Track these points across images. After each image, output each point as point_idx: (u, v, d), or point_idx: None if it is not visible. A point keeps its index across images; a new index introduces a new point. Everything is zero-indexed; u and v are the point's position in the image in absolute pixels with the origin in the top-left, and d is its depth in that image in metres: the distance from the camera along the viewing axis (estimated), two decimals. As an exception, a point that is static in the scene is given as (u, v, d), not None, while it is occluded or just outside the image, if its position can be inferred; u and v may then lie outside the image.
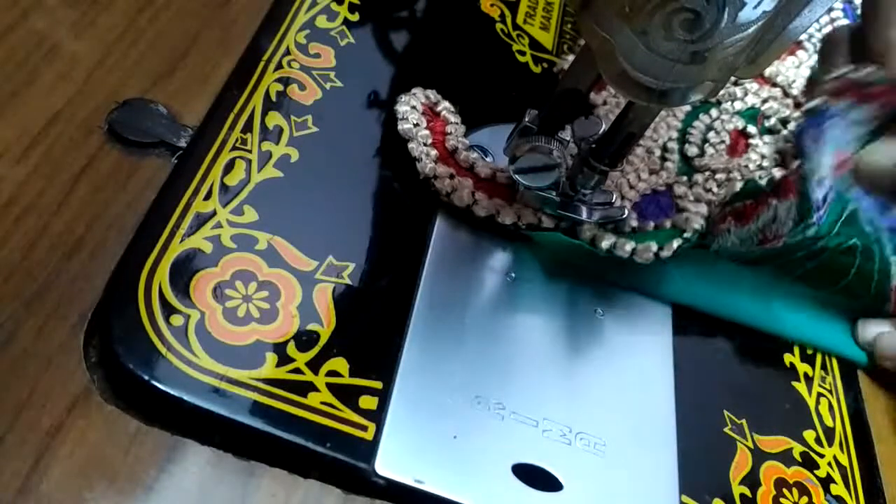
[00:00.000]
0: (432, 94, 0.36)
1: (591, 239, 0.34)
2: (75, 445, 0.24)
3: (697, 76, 0.26)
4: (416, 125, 0.34)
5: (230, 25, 0.36)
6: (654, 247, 0.33)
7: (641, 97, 0.27)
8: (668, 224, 0.36)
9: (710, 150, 0.42)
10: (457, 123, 0.36)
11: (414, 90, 0.36)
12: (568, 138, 0.32)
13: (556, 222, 0.34)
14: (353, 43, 0.38)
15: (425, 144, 0.34)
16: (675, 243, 0.34)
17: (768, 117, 0.46)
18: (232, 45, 0.35)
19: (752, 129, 0.44)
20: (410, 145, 0.34)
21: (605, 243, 0.33)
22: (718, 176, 0.41)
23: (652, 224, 0.35)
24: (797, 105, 0.47)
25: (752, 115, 0.46)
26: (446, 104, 0.36)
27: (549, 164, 0.31)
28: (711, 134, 0.44)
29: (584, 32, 0.27)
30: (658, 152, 0.41)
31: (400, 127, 0.34)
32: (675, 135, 0.42)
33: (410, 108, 0.35)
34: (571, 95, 0.31)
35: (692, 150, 0.42)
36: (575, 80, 0.31)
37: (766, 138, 0.45)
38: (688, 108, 0.43)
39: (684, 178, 0.40)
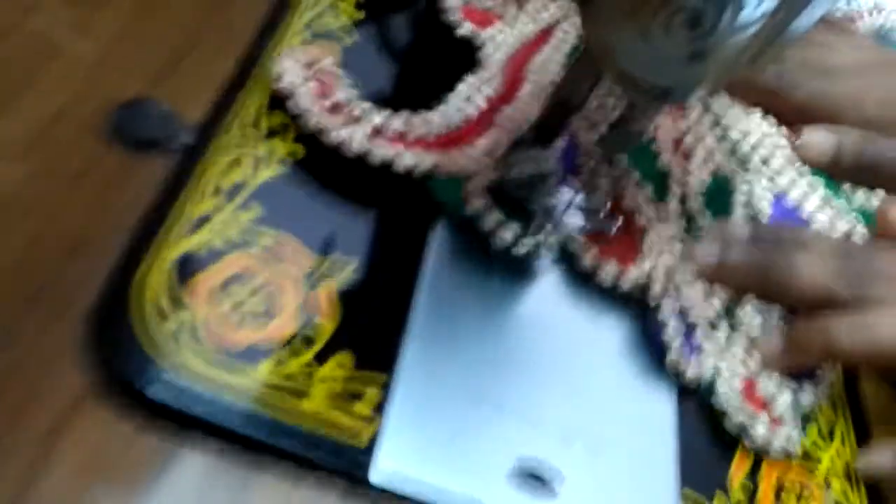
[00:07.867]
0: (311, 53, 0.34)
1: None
2: (75, 445, 0.24)
3: (698, 76, 0.26)
4: (297, 81, 0.32)
5: (230, 25, 0.36)
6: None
7: (642, 97, 0.27)
8: None
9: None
10: (343, 78, 0.33)
11: (286, 50, 0.33)
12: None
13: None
14: (354, 43, 0.38)
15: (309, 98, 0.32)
16: None
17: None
18: (232, 44, 0.35)
19: None
20: (289, 104, 0.32)
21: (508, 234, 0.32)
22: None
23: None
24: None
25: None
26: (328, 60, 0.34)
27: (542, 173, 0.31)
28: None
29: (584, 32, 0.27)
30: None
31: (276, 86, 0.32)
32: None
33: (292, 64, 0.32)
34: (565, 105, 0.31)
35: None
36: (569, 91, 0.31)
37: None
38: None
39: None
